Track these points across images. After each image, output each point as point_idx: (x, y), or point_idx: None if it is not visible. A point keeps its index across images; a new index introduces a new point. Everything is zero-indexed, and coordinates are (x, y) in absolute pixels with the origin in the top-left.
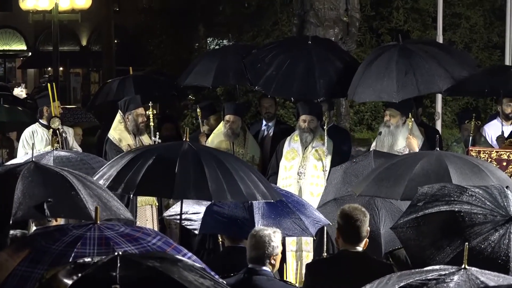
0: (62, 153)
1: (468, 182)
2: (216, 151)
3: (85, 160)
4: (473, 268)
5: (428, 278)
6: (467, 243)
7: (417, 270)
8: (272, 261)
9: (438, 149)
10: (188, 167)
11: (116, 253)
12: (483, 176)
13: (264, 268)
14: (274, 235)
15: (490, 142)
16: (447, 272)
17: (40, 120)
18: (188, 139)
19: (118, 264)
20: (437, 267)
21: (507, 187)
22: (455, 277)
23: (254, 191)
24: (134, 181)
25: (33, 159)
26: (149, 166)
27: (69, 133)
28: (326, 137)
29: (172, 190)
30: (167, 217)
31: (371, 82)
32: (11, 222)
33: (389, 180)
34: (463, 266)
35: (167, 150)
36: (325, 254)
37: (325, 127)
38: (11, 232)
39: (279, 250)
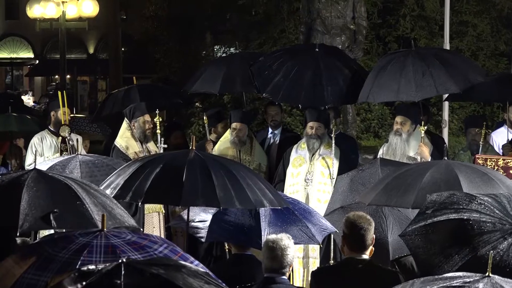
0: (87, 157)
1: (478, 190)
2: (223, 159)
3: (111, 165)
4: (496, 276)
5: (453, 285)
6: (491, 251)
7: (441, 276)
8: (289, 270)
9: (446, 158)
10: (195, 174)
11: (120, 260)
12: (493, 185)
13: (282, 277)
14: (290, 244)
15: (497, 150)
16: (471, 279)
17: (49, 126)
18: (186, 147)
19: (123, 272)
20: (461, 273)
21: None
22: (480, 285)
23: (261, 198)
24: (142, 189)
25: (36, 167)
26: (157, 174)
27: (77, 141)
28: (333, 145)
29: (180, 197)
30: (174, 225)
31: (387, 83)
32: (18, 233)
33: (399, 190)
34: (487, 274)
35: (174, 159)
36: (332, 261)
37: (332, 135)
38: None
39: (293, 258)
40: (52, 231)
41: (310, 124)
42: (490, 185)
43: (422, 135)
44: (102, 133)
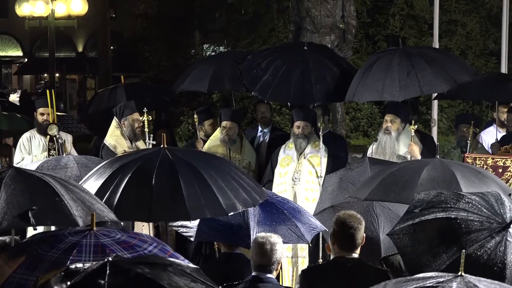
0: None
1: (476, 188)
2: (195, 157)
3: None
4: (469, 276)
5: (426, 285)
6: (464, 250)
7: (413, 277)
8: (277, 268)
9: (437, 156)
10: (164, 185)
11: (106, 259)
12: (488, 184)
13: (269, 275)
14: (278, 242)
15: (487, 149)
16: (444, 279)
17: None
18: (173, 145)
19: (107, 272)
20: (434, 274)
21: (510, 194)
22: (453, 284)
23: (234, 201)
24: (111, 205)
25: (13, 165)
26: (125, 187)
27: (68, 139)
28: (321, 143)
29: (150, 214)
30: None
31: (372, 82)
32: None
33: (396, 186)
34: (459, 274)
35: (143, 165)
36: (321, 260)
37: (320, 133)
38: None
39: (282, 256)
40: (40, 230)
41: (296, 123)
42: (486, 184)
43: (412, 134)
44: (89, 131)
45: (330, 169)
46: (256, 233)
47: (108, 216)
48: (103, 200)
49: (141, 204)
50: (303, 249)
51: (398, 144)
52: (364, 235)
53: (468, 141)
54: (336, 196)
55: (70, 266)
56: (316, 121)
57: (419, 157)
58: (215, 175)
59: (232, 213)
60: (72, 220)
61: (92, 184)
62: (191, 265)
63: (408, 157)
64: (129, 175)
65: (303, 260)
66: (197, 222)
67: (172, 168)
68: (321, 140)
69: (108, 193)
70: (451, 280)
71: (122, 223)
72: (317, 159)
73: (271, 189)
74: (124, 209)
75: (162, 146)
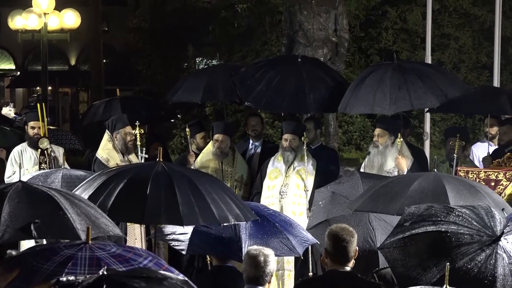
0: (73, 172)
1: (465, 201)
2: (190, 172)
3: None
4: None
5: None
6: (448, 263)
7: None
8: (270, 280)
9: (435, 170)
10: (159, 190)
11: (101, 273)
12: (480, 198)
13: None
14: (271, 254)
15: (477, 163)
16: None
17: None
18: (167, 159)
19: (104, 287)
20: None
21: (503, 209)
22: None
23: (226, 213)
24: (105, 206)
25: (21, 179)
26: (121, 190)
27: (59, 152)
28: (305, 157)
29: (143, 215)
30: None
31: (364, 95)
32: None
33: (386, 197)
34: (444, 286)
35: (139, 173)
36: (311, 273)
37: (304, 147)
38: (8, 251)
39: (274, 269)
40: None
41: (285, 136)
42: (476, 198)
43: (399, 147)
44: (80, 146)
45: (318, 183)
46: (247, 246)
47: (113, 231)
48: (97, 204)
49: (134, 206)
50: (289, 262)
51: (385, 157)
52: (357, 248)
53: (455, 155)
54: (330, 210)
55: (61, 279)
56: (303, 135)
57: (405, 170)
58: (209, 188)
59: (224, 224)
60: (74, 234)
61: (86, 189)
62: (180, 277)
63: (396, 171)
64: (125, 180)
65: (289, 274)
66: (188, 235)
67: (167, 177)
68: (306, 154)
69: (103, 196)
70: None
71: (126, 237)
72: (304, 172)
73: (259, 201)
74: (117, 210)
75: (158, 159)
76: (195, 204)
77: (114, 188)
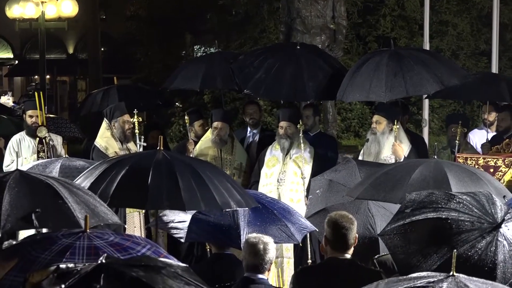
0: (71, 162)
1: (466, 189)
2: (190, 159)
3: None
4: (461, 275)
5: (417, 285)
6: (455, 250)
7: (404, 277)
8: (270, 268)
9: (435, 157)
10: (161, 177)
11: (99, 261)
12: (481, 185)
13: (260, 276)
14: (271, 242)
15: (475, 149)
16: (435, 279)
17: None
18: (166, 148)
19: (102, 275)
20: (425, 273)
21: (504, 196)
22: (444, 285)
23: (228, 199)
24: (107, 192)
25: (18, 168)
26: (122, 177)
27: (58, 141)
28: (302, 144)
29: (146, 201)
30: (152, 226)
31: (360, 82)
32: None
33: (387, 185)
34: (451, 273)
35: (140, 160)
36: (310, 261)
37: (300, 135)
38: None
39: (274, 256)
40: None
41: (281, 124)
42: (478, 185)
43: (395, 134)
44: (79, 134)
45: (315, 170)
46: (246, 233)
47: (112, 219)
48: (99, 190)
49: (137, 192)
50: (288, 250)
51: (382, 144)
52: (357, 235)
53: (456, 141)
54: (328, 198)
55: (61, 266)
56: (298, 122)
57: (402, 157)
58: (210, 174)
59: (226, 210)
60: (75, 223)
61: (87, 177)
62: (181, 264)
63: (392, 158)
64: (126, 167)
65: (288, 261)
66: (187, 223)
67: (168, 164)
68: (303, 141)
69: (104, 183)
70: (442, 280)
71: (126, 226)
72: (301, 159)
73: (257, 189)
74: (119, 197)
75: (158, 148)
76: (197, 190)
77: (116, 175)
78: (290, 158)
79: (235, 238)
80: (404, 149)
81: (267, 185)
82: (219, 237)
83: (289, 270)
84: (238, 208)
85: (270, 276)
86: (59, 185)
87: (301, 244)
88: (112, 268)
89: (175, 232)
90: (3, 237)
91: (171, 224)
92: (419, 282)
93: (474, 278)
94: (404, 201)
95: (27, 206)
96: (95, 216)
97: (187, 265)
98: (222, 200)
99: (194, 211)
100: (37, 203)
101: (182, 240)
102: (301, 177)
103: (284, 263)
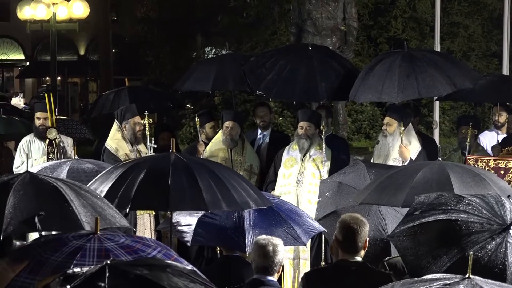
0: (80, 165)
1: (469, 191)
2: (204, 160)
3: (101, 172)
4: (477, 277)
5: (433, 287)
6: (471, 252)
7: (420, 278)
8: (279, 270)
9: (440, 159)
10: (181, 178)
11: (104, 262)
12: (485, 186)
13: (270, 278)
14: (280, 244)
15: (486, 151)
16: (451, 281)
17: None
18: (177, 150)
19: (107, 274)
20: (441, 275)
21: (508, 196)
22: (460, 287)
23: (247, 199)
24: (128, 196)
25: (28, 170)
26: (142, 179)
27: (68, 142)
28: (324, 145)
29: (168, 203)
30: (162, 229)
31: (372, 83)
32: (1, 237)
33: (391, 188)
34: (467, 275)
35: (157, 162)
36: (323, 263)
37: (322, 136)
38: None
39: (284, 258)
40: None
41: (300, 124)
42: (482, 186)
43: (401, 136)
44: (89, 136)
45: (332, 172)
46: (251, 236)
47: (120, 222)
48: (119, 194)
49: (159, 195)
50: (305, 251)
51: (392, 147)
52: (368, 238)
53: (467, 143)
54: (339, 200)
55: (68, 271)
56: (320, 123)
57: (408, 159)
58: (226, 175)
59: (246, 209)
60: (78, 226)
61: (103, 181)
62: (188, 267)
63: (401, 160)
64: (145, 170)
65: (305, 262)
66: (193, 227)
67: (186, 166)
68: (323, 142)
69: (123, 187)
70: (458, 282)
71: (134, 230)
72: (320, 161)
73: (273, 189)
74: (142, 199)
75: (171, 151)
76: (216, 190)
77: (134, 179)
78: (309, 159)
79: (240, 241)
80: (413, 151)
81: (285, 186)
82: (225, 240)
83: (305, 271)
84: (256, 207)
85: (286, 277)
86: (67, 187)
87: (306, 246)
88: (117, 267)
89: (181, 235)
90: (10, 239)
91: (177, 228)
92: (435, 284)
93: (490, 281)
94: (414, 203)
95: (31, 209)
96: (103, 219)
97: (194, 269)
98: (241, 199)
99: (199, 214)
100: (41, 206)
101: (188, 244)
102: (320, 179)
103: (301, 264)
